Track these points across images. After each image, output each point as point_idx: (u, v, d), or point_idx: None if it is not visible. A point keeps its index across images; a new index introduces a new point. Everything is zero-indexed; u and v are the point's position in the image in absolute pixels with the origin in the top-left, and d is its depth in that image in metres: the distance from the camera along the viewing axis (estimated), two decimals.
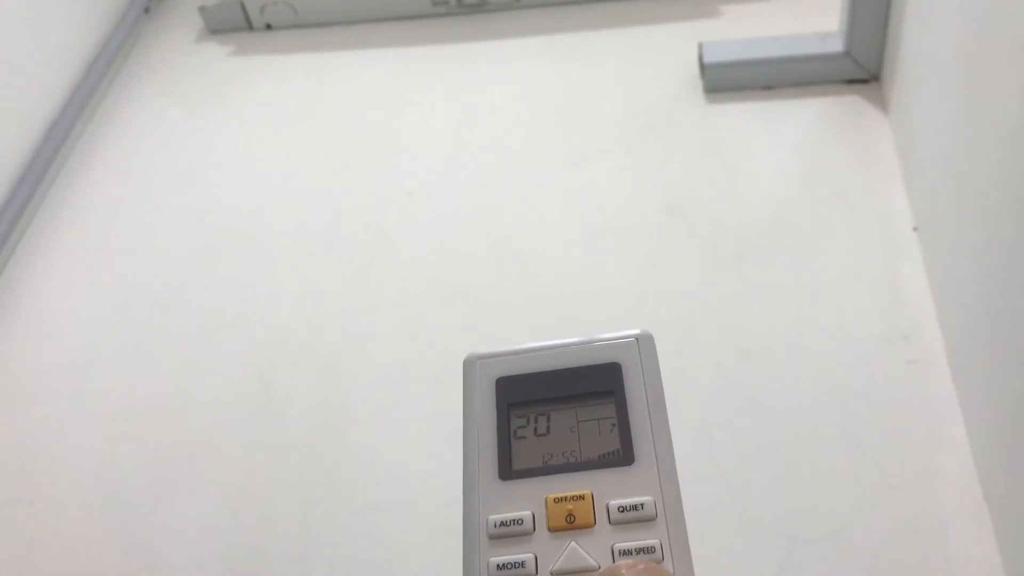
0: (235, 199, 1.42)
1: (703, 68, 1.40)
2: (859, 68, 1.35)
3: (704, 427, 1.03)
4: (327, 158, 1.46)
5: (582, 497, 0.39)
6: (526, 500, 0.39)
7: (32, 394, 1.22)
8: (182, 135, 1.56)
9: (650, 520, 0.38)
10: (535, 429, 0.42)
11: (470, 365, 0.45)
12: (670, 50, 1.50)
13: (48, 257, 1.39)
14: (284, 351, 1.20)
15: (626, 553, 0.37)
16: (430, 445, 1.07)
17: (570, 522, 0.38)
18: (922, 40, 1.13)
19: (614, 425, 0.41)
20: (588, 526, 0.38)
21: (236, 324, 1.24)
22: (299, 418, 1.13)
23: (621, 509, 0.38)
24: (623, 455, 0.40)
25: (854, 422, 1.01)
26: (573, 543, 0.37)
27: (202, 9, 1.75)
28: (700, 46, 1.41)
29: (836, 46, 1.34)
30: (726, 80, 1.39)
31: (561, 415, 0.42)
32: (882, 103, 1.34)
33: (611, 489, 0.39)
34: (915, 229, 1.17)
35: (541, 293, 1.20)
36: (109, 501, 1.09)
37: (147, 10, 1.82)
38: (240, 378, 1.18)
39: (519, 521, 0.38)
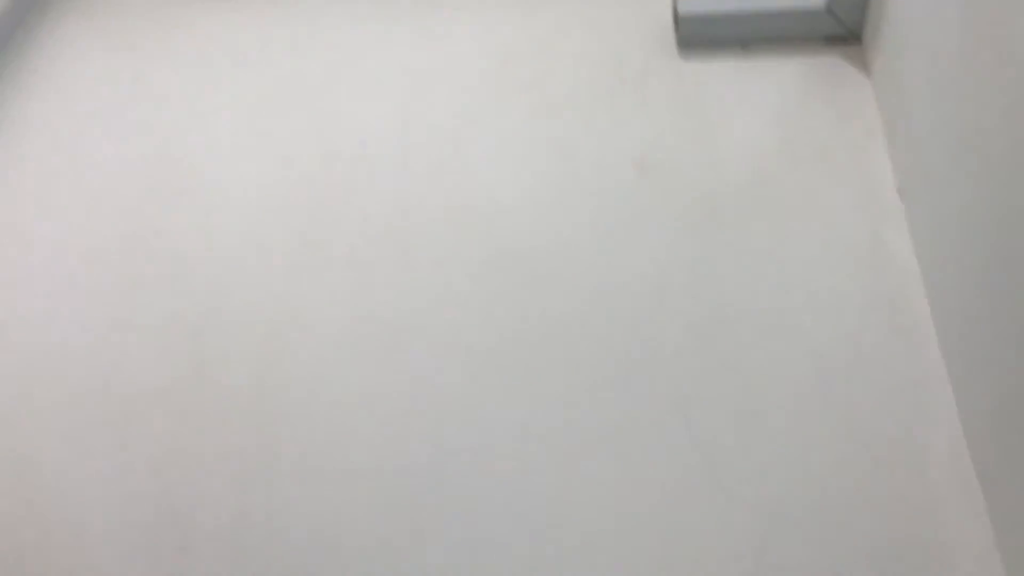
0: (172, 146, 1.31)
1: (677, 20, 1.32)
2: (840, 25, 1.28)
3: (677, 397, 0.96)
4: (274, 105, 1.35)
5: None
6: None
7: None
8: (117, 76, 1.43)
9: None
10: None
11: None
12: (641, 3, 1.42)
13: None
14: (221, 311, 1.10)
15: None
16: (375, 414, 0.99)
17: None
18: None
19: None
20: None
21: (170, 279, 1.14)
22: (235, 383, 1.03)
23: None
24: None
25: (837, 393, 0.95)
26: None
27: None
28: None
29: (818, 1, 1.27)
30: (701, 34, 1.32)
31: None
32: (863, 63, 1.27)
33: None
34: (899, 192, 1.11)
35: (503, 250, 1.12)
36: (27, 474, 0.99)
37: None
38: (173, 337, 1.08)
39: None
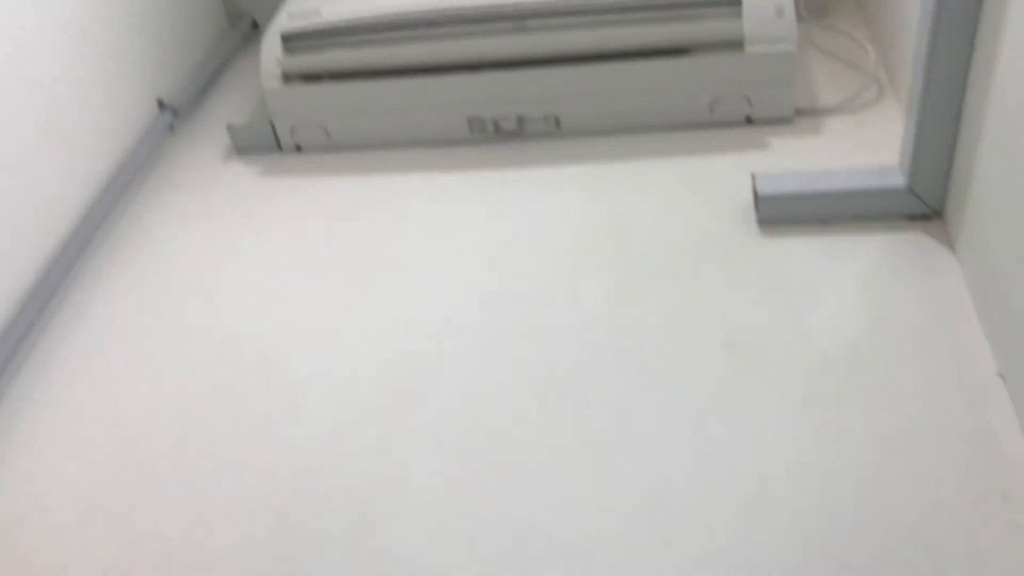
0: (259, 327, 1.33)
1: (757, 200, 1.34)
2: (921, 204, 1.29)
3: None
4: (359, 285, 1.38)
5: None
6: None
7: (28, 536, 1.09)
8: (204, 257, 1.48)
9: None
10: None
11: None
12: (720, 182, 1.45)
13: (52, 385, 1.29)
14: (309, 496, 1.09)
15: None
16: None
17: None
18: (1001, 173, 1.07)
19: None
20: None
21: (256, 465, 1.13)
22: (325, 570, 1.01)
23: None
24: None
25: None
26: None
27: (230, 128, 1.70)
28: (753, 178, 1.35)
29: (897, 180, 1.29)
30: (781, 213, 1.33)
31: None
32: (947, 239, 1.27)
33: None
34: (1000, 375, 1.08)
35: (591, 436, 1.10)
36: None
37: (171, 128, 1.78)
38: (260, 527, 1.06)
39: None
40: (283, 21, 1.63)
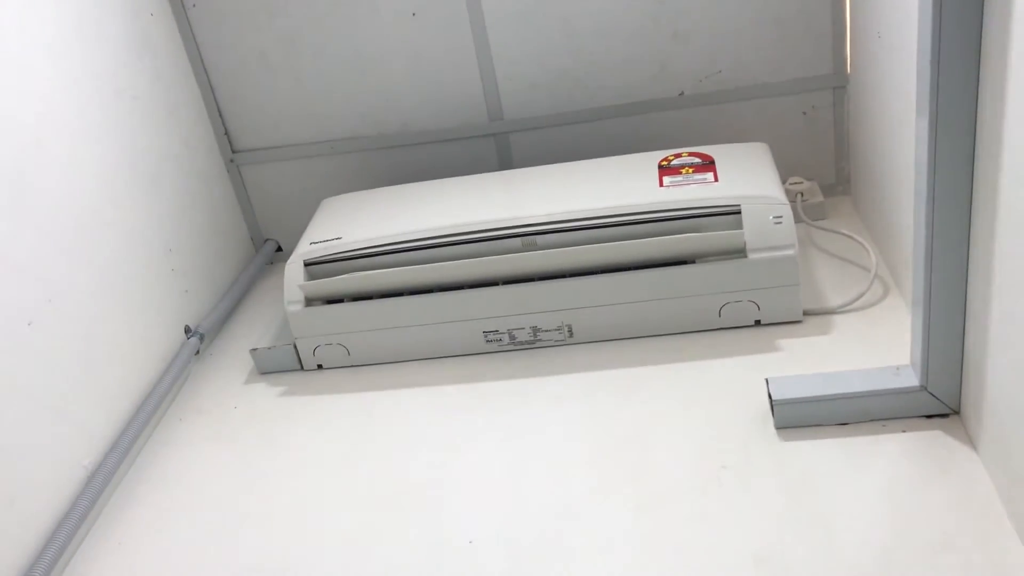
0: (282, 551, 1.32)
1: (773, 405, 1.34)
2: (937, 402, 1.29)
3: None
4: (379, 506, 1.37)
5: None
6: None
7: None
8: (226, 483, 1.49)
9: None
10: None
11: None
12: (734, 386, 1.46)
13: None
14: None
15: None
16: None
17: None
18: (1013, 369, 1.08)
19: None
20: None
21: None
22: None
23: None
24: None
25: None
26: None
27: (253, 351, 1.75)
28: (767, 383, 1.37)
29: (911, 380, 1.30)
30: (798, 417, 1.33)
31: None
32: (967, 437, 1.26)
33: None
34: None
35: None
36: None
37: (198, 352, 1.83)
38: None
39: None
40: (305, 248, 1.71)
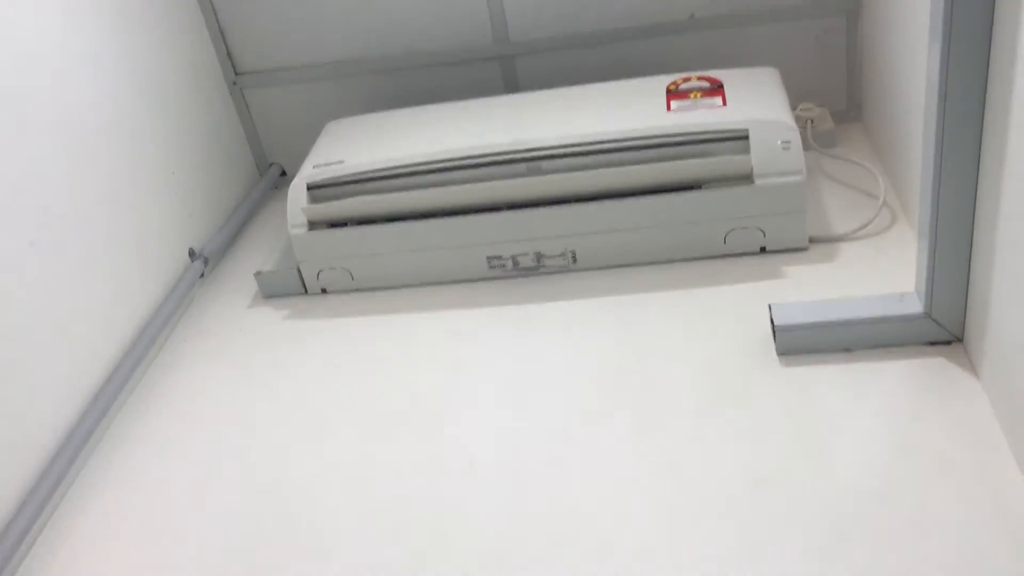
0: (286, 470, 1.34)
1: (775, 331, 1.34)
2: (941, 329, 1.29)
3: None
4: (383, 426, 1.38)
5: None
6: None
7: None
8: (233, 401, 1.50)
9: None
10: None
11: None
12: (737, 313, 1.46)
13: (83, 534, 1.29)
14: None
15: None
16: None
17: None
18: (1018, 296, 1.07)
19: None
20: None
21: None
22: None
23: None
24: None
25: None
26: None
27: (257, 275, 1.75)
28: (770, 308, 1.36)
29: (915, 307, 1.29)
30: (800, 343, 1.33)
31: None
32: (970, 365, 1.26)
33: None
34: None
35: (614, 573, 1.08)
36: None
37: (202, 275, 1.83)
38: None
39: None
40: (308, 171, 1.70)
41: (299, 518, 1.25)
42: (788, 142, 1.52)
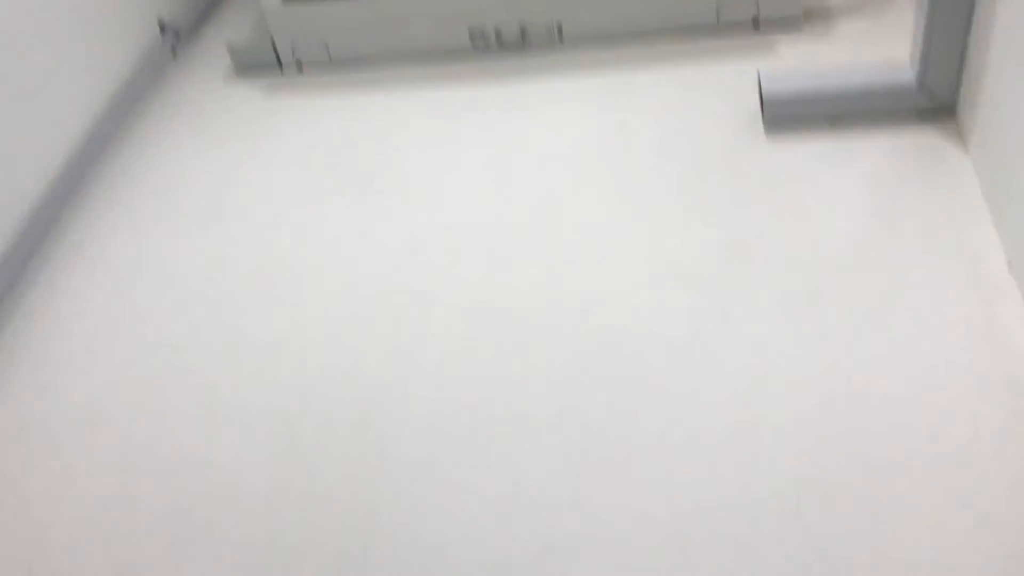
0: (263, 241, 1.33)
1: (762, 101, 1.31)
2: (933, 100, 1.26)
3: (789, 479, 0.92)
4: (361, 197, 1.37)
5: None
6: None
7: (42, 443, 1.11)
8: (209, 175, 1.48)
9: None
10: None
11: None
12: (725, 86, 1.42)
13: (62, 299, 1.30)
14: (313, 402, 1.09)
15: None
16: (471, 511, 0.96)
17: None
18: (1016, 65, 1.04)
19: None
20: None
21: (261, 372, 1.14)
22: (329, 476, 1.02)
23: None
24: None
25: (957, 478, 0.89)
26: None
27: (230, 47, 1.68)
28: (759, 76, 1.32)
29: (908, 76, 1.25)
30: (787, 114, 1.30)
31: None
32: (959, 136, 1.24)
33: None
34: (1010, 266, 1.06)
35: (596, 341, 1.09)
36: (120, 563, 0.98)
37: (174, 52, 1.76)
38: (265, 430, 1.07)
39: None
40: None
41: (274, 280, 1.25)
42: None
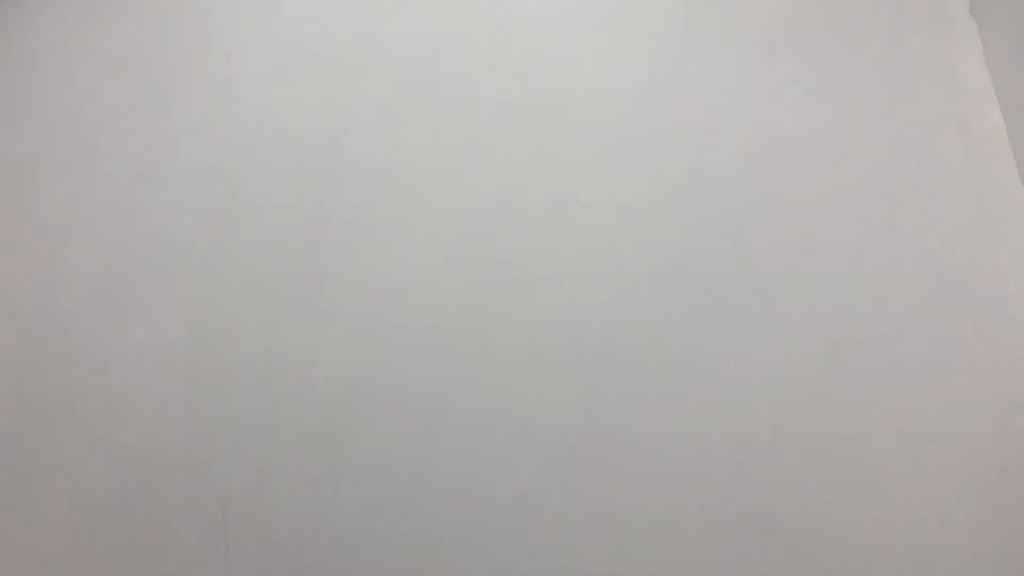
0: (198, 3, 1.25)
1: None
2: None
3: (729, 225, 0.91)
4: None
5: None
6: None
7: None
8: None
9: None
10: None
11: None
12: None
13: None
14: (254, 155, 1.05)
15: None
16: (408, 260, 0.94)
17: None
18: None
19: None
20: None
21: (196, 125, 1.09)
22: (267, 230, 0.99)
23: None
24: None
25: (906, 218, 0.88)
26: None
27: None
28: None
29: None
30: None
31: None
32: None
33: None
34: (972, 10, 1.01)
35: (544, 89, 1.05)
36: (52, 319, 0.96)
37: None
38: (201, 185, 1.04)
39: None
40: None
41: (207, 37, 1.18)
42: None
